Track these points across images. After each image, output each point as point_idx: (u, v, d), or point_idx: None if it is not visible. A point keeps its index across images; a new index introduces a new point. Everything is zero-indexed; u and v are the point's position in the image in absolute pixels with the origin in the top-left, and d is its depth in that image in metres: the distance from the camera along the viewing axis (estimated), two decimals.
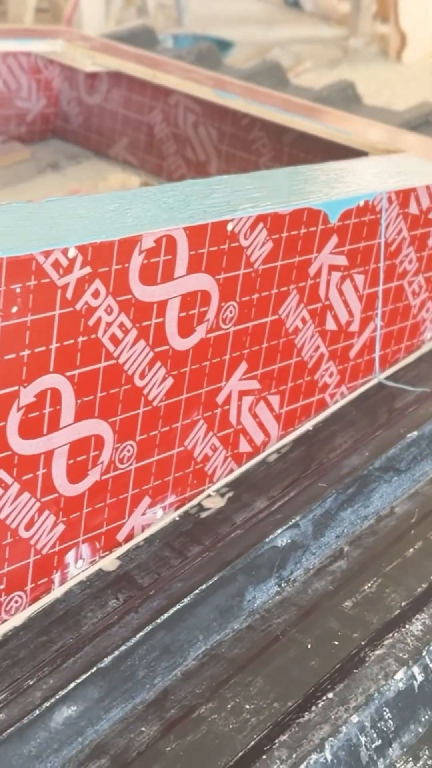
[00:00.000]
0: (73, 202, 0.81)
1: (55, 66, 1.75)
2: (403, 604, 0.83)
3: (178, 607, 0.79)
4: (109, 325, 0.76)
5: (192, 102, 1.56)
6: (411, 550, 0.89)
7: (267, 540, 0.85)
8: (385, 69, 4.20)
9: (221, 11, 5.14)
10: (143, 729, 0.71)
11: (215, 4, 5.28)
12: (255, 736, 0.70)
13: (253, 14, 5.13)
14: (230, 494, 0.93)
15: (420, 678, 0.75)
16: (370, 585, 0.85)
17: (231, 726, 0.71)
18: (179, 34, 4.10)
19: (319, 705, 0.71)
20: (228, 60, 3.47)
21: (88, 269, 0.73)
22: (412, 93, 3.60)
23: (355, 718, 0.70)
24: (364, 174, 1.02)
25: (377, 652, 0.76)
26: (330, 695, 0.72)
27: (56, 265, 0.70)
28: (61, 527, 0.80)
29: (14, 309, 0.69)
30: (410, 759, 0.73)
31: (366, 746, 0.70)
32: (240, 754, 0.69)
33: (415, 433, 1.00)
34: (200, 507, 0.92)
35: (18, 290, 0.69)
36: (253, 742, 0.70)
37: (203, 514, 0.91)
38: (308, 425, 1.03)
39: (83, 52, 1.65)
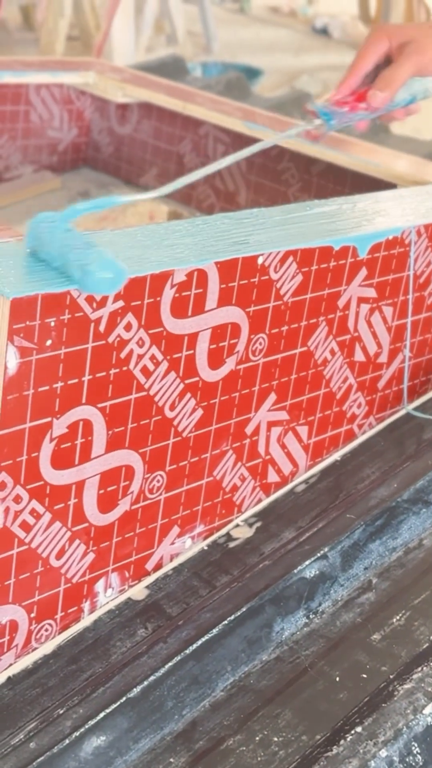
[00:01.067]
0: (105, 237, 0.83)
1: (87, 97, 1.78)
2: None
3: (206, 637, 0.79)
4: (140, 357, 0.77)
5: (221, 132, 1.58)
6: None
7: (295, 571, 0.86)
8: None
9: (250, 38, 5.19)
10: (172, 760, 0.72)
11: (244, 31, 5.33)
12: None
13: (282, 41, 5.18)
14: (258, 524, 0.94)
15: None
16: (398, 618, 0.84)
17: (259, 759, 0.71)
18: (208, 62, 4.15)
19: (348, 739, 0.71)
20: (257, 88, 3.51)
21: (120, 303, 0.74)
22: None
23: (383, 753, 0.70)
24: (392, 207, 1.03)
25: (406, 686, 0.76)
26: (359, 729, 0.72)
27: (90, 299, 0.72)
28: (91, 556, 0.81)
29: (48, 342, 0.70)
30: None
31: None
32: None
33: None
34: (228, 537, 0.92)
35: (52, 324, 0.70)
36: None
37: (231, 544, 0.91)
38: (336, 456, 1.03)
39: (114, 84, 1.68)
